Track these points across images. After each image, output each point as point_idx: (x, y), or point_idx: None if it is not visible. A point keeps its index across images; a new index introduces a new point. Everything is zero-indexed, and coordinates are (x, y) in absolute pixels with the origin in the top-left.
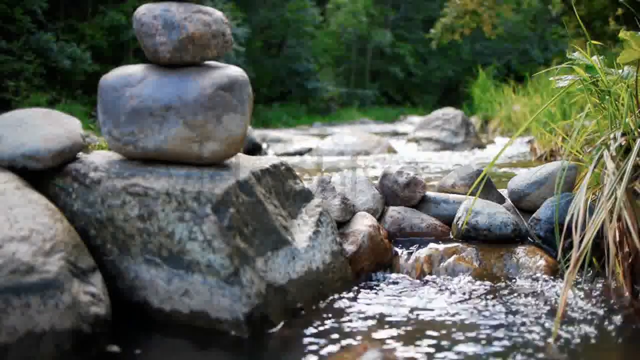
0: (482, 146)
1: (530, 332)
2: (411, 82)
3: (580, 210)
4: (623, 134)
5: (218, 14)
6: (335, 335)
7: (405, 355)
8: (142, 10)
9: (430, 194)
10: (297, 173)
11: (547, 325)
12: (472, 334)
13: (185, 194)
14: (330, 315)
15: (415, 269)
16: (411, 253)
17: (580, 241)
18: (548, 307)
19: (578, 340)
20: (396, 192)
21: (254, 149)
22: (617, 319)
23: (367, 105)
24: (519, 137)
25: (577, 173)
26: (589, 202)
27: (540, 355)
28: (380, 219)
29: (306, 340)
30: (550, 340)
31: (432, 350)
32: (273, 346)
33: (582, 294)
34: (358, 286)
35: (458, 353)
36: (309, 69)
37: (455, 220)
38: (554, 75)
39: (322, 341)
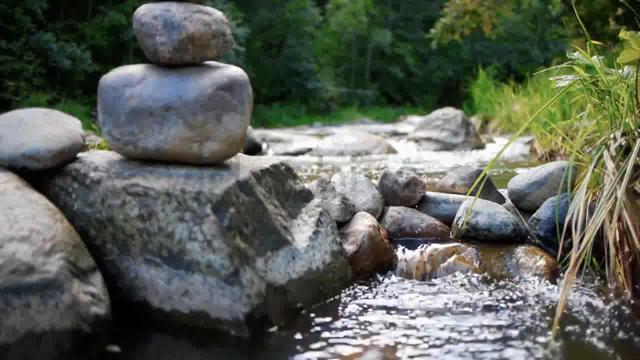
0: (482, 146)
1: (529, 332)
2: (411, 82)
3: (580, 210)
4: (623, 134)
5: (218, 14)
6: (335, 335)
7: (405, 355)
8: (142, 10)
9: (430, 194)
10: (297, 173)
11: (546, 325)
12: (472, 334)
13: (185, 194)
14: (330, 315)
15: (415, 269)
16: (411, 253)
17: (580, 241)
18: (548, 307)
19: (577, 341)
20: (396, 192)
21: (254, 149)
22: (617, 319)
23: (367, 105)
24: (519, 137)
25: (577, 173)
26: (589, 202)
27: (540, 355)
28: (380, 219)
29: (306, 340)
30: (550, 340)
31: (432, 350)
32: (273, 346)
33: (582, 294)
34: (358, 286)
35: (458, 353)
36: (309, 69)
37: (455, 220)
38: (554, 75)
39: (322, 341)
